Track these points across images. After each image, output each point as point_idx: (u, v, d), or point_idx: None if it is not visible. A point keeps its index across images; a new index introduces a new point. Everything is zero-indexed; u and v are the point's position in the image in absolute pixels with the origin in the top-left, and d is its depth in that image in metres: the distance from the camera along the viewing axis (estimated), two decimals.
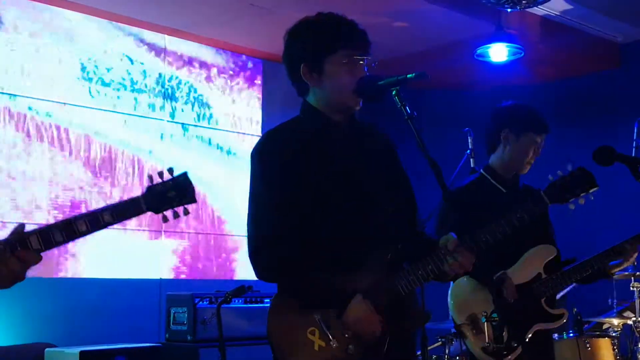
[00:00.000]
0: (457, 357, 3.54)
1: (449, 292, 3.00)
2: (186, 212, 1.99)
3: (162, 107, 5.74)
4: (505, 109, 3.22)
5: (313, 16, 2.33)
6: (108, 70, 5.47)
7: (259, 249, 2.21)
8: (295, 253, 2.19)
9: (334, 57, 2.24)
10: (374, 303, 2.14)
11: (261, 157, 2.25)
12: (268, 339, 2.16)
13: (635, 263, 4.12)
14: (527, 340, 2.88)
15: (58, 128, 5.17)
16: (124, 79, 5.55)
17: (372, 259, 2.20)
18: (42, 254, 1.92)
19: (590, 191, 2.44)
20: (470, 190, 3.13)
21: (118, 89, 5.51)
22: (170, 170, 1.99)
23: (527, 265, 3.02)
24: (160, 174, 1.97)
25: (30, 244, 1.88)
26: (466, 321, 2.92)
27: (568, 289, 3.92)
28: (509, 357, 2.79)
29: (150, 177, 1.97)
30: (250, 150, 2.32)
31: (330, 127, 2.30)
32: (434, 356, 4.11)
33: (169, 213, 1.98)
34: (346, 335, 2.11)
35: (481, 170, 3.22)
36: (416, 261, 2.19)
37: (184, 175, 1.99)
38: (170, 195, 1.96)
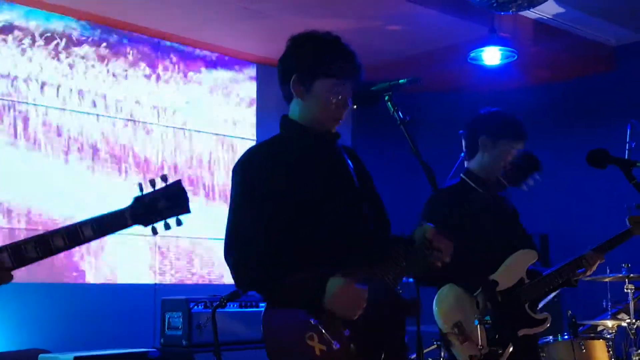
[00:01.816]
0: None
1: (434, 300, 2.99)
2: (179, 223, 1.88)
3: (154, 110, 5.75)
4: (482, 116, 3.24)
5: (321, 33, 2.37)
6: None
7: (230, 248, 2.21)
8: (269, 257, 2.17)
9: (326, 80, 2.29)
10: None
11: (243, 170, 2.27)
12: (266, 351, 2.12)
13: (629, 265, 4.15)
14: (513, 346, 2.88)
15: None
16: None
17: (354, 260, 2.22)
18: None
19: (535, 173, 2.57)
20: (451, 193, 3.13)
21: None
22: (164, 178, 1.86)
23: (510, 271, 3.02)
24: (152, 182, 1.85)
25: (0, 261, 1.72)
26: (452, 329, 2.91)
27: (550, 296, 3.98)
28: None
29: (141, 186, 1.84)
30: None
31: (312, 137, 2.34)
32: (430, 359, 4.11)
33: (159, 225, 1.86)
34: (345, 336, 2.10)
35: (462, 175, 3.24)
36: (397, 256, 2.23)
37: (177, 183, 1.87)
38: (160, 205, 1.84)
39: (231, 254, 2.21)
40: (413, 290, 2.49)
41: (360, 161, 2.48)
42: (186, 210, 1.88)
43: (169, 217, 1.86)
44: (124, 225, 1.83)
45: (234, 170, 2.30)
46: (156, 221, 1.86)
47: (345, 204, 2.27)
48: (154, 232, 1.88)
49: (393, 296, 2.21)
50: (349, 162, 2.40)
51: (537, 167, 2.67)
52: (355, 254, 2.22)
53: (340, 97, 2.29)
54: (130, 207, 1.83)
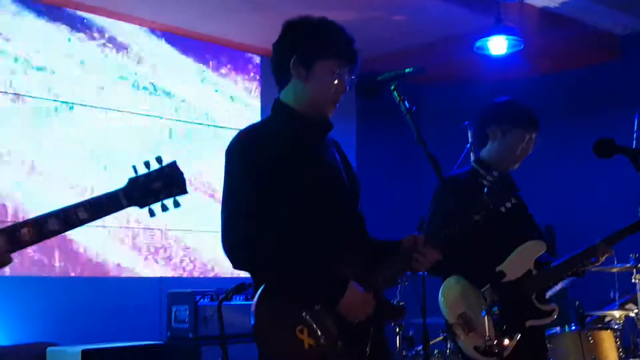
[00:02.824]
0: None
1: (440, 291, 2.98)
2: (177, 205, 1.85)
3: (161, 104, 5.74)
4: (493, 105, 3.19)
5: (317, 18, 2.36)
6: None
7: (229, 225, 2.17)
8: (269, 236, 2.16)
9: (327, 61, 2.28)
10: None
11: (242, 151, 2.23)
12: (255, 339, 2.12)
13: (637, 255, 4.12)
14: (520, 337, 2.86)
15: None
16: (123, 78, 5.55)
17: (350, 256, 2.23)
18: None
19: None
20: (463, 181, 3.11)
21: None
22: (159, 160, 1.84)
23: (518, 262, 3.00)
24: (147, 164, 1.83)
25: None
26: (458, 320, 2.90)
27: (559, 286, 3.95)
28: (502, 354, 2.78)
29: (135, 168, 1.82)
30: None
31: (308, 126, 2.32)
32: (436, 351, 4.10)
33: (156, 206, 1.82)
34: (334, 332, 2.11)
35: (473, 163, 3.21)
36: (386, 261, 2.26)
37: (172, 164, 1.85)
38: (155, 186, 1.81)
39: (234, 232, 2.17)
40: (419, 282, 2.48)
41: (346, 156, 2.47)
42: (183, 191, 1.85)
43: (165, 198, 1.83)
44: (120, 207, 1.79)
45: (229, 152, 2.26)
46: (152, 203, 1.83)
47: (337, 199, 2.27)
48: (151, 214, 1.84)
49: (380, 300, 2.23)
50: (337, 156, 2.39)
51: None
52: (348, 253, 2.23)
53: (339, 80, 2.28)
54: (125, 188, 1.81)
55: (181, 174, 1.85)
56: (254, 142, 2.25)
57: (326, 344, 2.10)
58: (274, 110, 2.39)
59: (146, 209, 1.83)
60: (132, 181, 1.81)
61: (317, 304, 2.13)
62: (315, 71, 2.27)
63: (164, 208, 1.84)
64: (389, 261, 2.26)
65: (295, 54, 2.29)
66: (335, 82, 2.27)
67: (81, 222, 1.76)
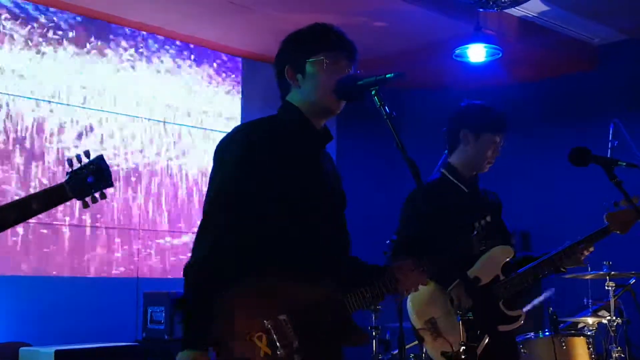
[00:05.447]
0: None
1: (408, 297, 2.99)
2: (103, 197, 2.05)
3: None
4: (463, 109, 3.23)
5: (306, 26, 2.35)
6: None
7: (194, 265, 2.14)
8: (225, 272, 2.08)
9: (315, 58, 2.25)
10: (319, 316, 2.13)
11: (224, 152, 2.19)
12: (213, 335, 2.04)
13: (610, 263, 4.18)
14: (489, 342, 2.88)
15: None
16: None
17: (326, 273, 2.19)
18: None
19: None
20: (433, 189, 3.13)
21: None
22: (87, 154, 2.03)
23: (486, 267, 3.02)
24: (78, 158, 2.01)
25: None
26: (425, 325, 2.91)
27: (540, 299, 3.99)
28: None
29: (70, 162, 2.01)
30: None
31: (308, 128, 2.29)
32: (412, 355, 4.12)
33: (88, 199, 2.02)
34: (294, 346, 2.07)
35: (442, 170, 3.23)
36: (364, 285, 2.23)
37: (100, 158, 2.04)
38: (89, 180, 2.00)
39: (204, 246, 2.14)
40: None
41: (336, 169, 2.43)
42: (110, 184, 2.04)
43: (97, 191, 2.03)
44: (66, 198, 2.01)
45: (219, 150, 2.20)
46: (86, 196, 2.03)
47: (321, 212, 2.25)
48: (85, 205, 2.04)
49: (347, 322, 2.20)
50: (331, 164, 2.38)
51: None
52: (325, 267, 2.19)
53: (335, 71, 2.24)
54: (68, 182, 2.00)
55: (108, 168, 2.04)
56: (239, 141, 2.19)
57: (283, 356, 2.05)
58: (279, 110, 2.34)
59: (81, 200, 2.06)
60: (72, 175, 2.01)
61: (283, 314, 2.09)
62: (308, 72, 2.25)
63: (94, 200, 2.04)
64: (368, 286, 2.23)
65: (286, 64, 2.28)
66: (331, 74, 2.23)
67: (34, 213, 1.96)
